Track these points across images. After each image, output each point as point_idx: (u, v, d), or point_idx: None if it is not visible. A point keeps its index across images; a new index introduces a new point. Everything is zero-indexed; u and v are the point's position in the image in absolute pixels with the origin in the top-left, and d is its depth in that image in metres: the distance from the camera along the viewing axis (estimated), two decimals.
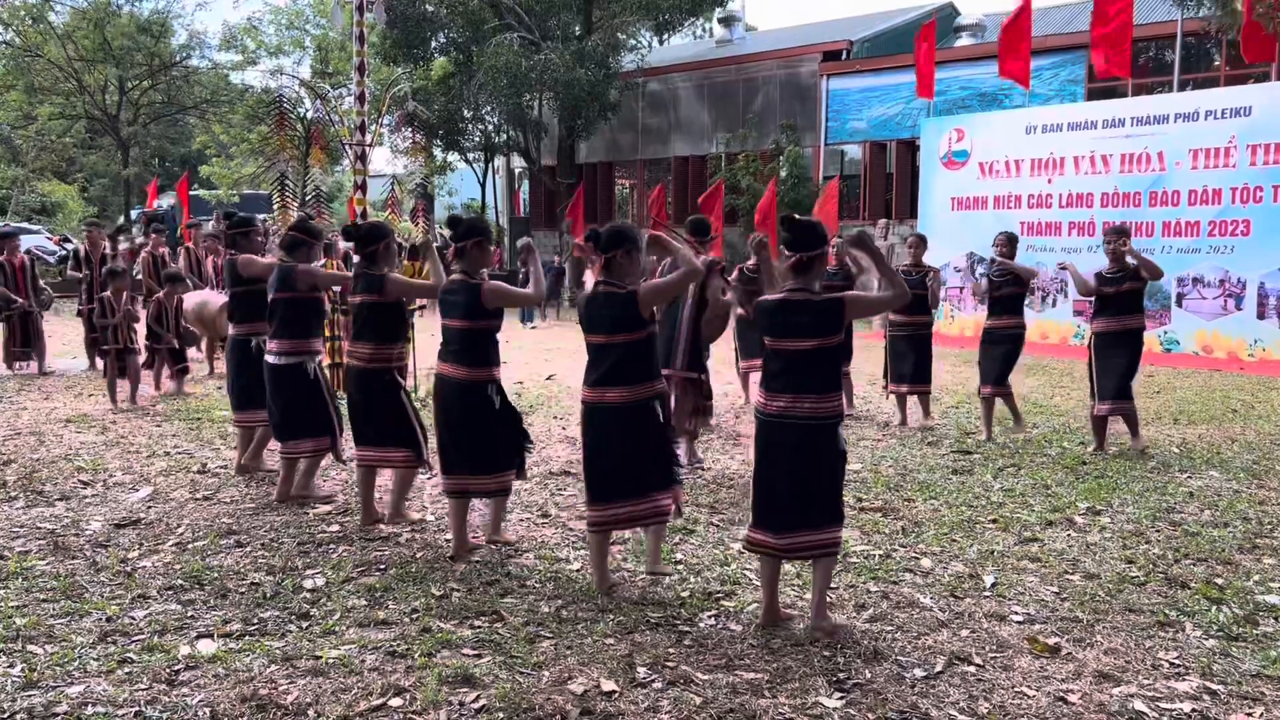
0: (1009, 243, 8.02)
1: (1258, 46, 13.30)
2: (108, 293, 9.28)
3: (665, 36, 28.02)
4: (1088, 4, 15.79)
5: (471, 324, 4.72)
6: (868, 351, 10.76)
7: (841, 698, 3.41)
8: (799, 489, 3.89)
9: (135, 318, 9.34)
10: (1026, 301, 8.55)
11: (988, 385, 7.99)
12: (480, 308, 4.71)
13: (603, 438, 4.33)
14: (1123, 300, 7.30)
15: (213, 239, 12.19)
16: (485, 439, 4.79)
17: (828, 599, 4.07)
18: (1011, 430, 8.11)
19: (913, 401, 8.55)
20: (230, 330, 6.30)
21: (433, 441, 5.17)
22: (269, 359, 5.70)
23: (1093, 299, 7.51)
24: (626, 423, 4.27)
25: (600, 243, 4.34)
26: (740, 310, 8.34)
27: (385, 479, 5.72)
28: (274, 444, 6.07)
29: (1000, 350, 7.94)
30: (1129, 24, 14.06)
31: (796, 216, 4.04)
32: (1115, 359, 7.28)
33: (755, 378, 7.29)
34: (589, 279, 4.54)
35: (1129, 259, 7.29)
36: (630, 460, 4.30)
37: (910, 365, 8.36)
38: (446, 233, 5.76)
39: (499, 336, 4.91)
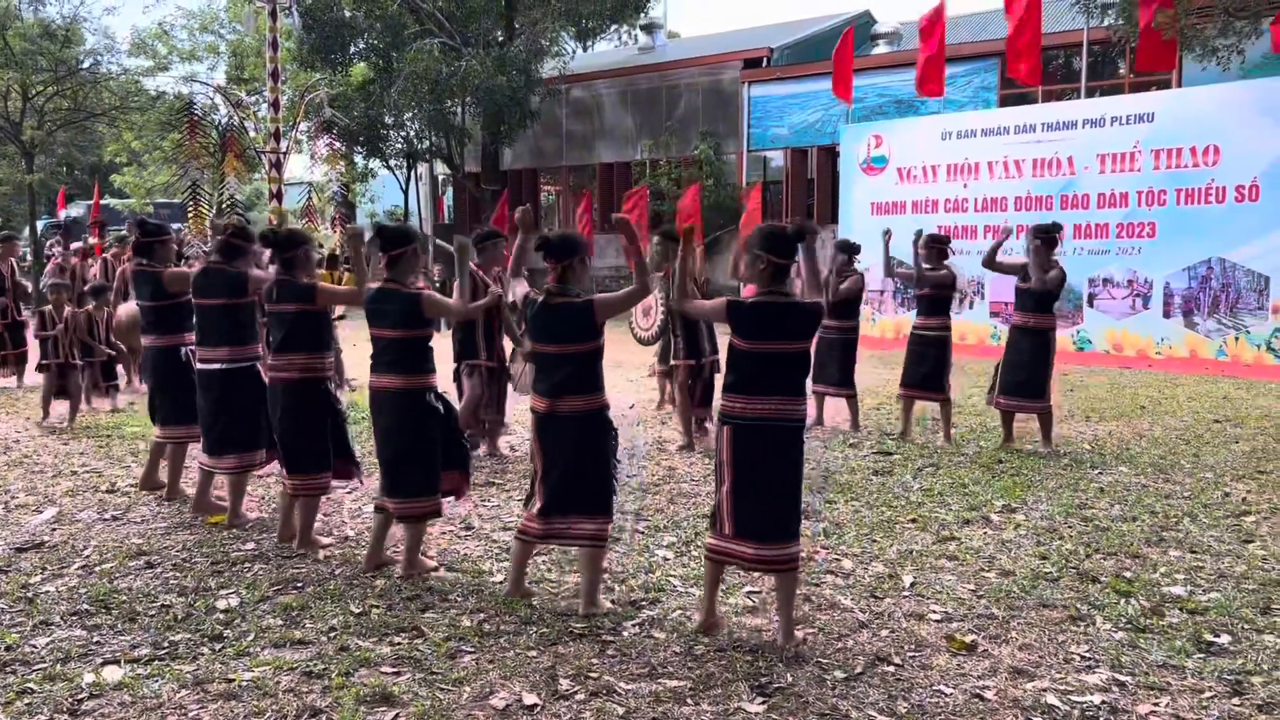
0: (930, 244, 7.98)
1: (1157, 56, 13.77)
2: (47, 307, 9.01)
3: (589, 44, 28.04)
4: (999, 12, 16.22)
5: (406, 333, 4.62)
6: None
7: (763, 703, 3.43)
8: (775, 497, 3.87)
9: (80, 332, 9.12)
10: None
11: (930, 392, 7.94)
12: (417, 317, 4.61)
13: (556, 448, 4.21)
14: (1032, 297, 7.44)
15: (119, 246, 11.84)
16: (423, 451, 4.64)
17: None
18: (939, 438, 7.98)
19: (837, 404, 8.61)
20: (156, 341, 5.99)
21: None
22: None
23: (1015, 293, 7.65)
24: (579, 435, 4.19)
25: (555, 250, 4.24)
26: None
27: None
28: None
29: (932, 354, 7.90)
30: (1038, 35, 14.48)
31: (779, 226, 3.98)
32: (1021, 356, 7.47)
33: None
34: (520, 288, 4.46)
35: (1046, 258, 7.36)
36: (574, 474, 4.19)
37: (833, 369, 8.36)
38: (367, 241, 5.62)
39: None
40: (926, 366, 7.94)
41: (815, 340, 7.94)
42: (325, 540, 5.25)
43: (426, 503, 4.67)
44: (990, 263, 7.81)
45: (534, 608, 4.29)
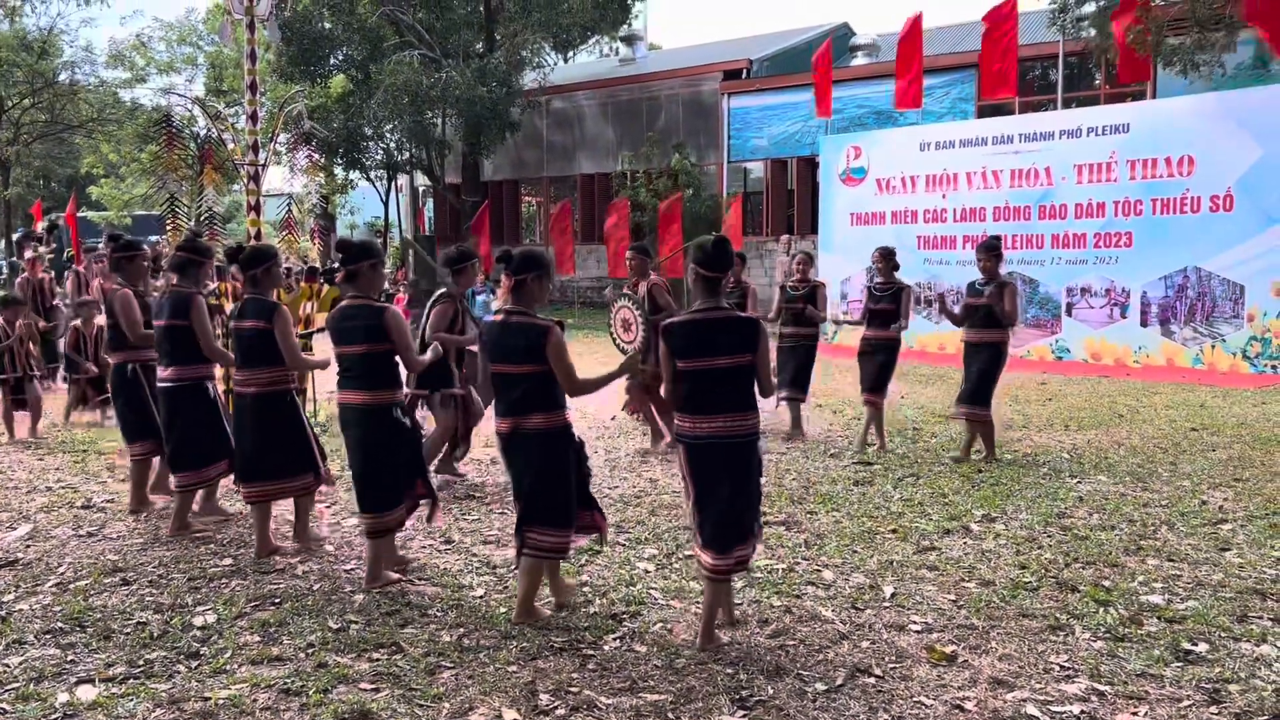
0: (884, 258, 8.20)
1: (1132, 68, 13.94)
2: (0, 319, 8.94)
3: (570, 55, 28.08)
4: (976, 24, 16.36)
5: (372, 347, 4.62)
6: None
7: (744, 716, 3.42)
8: (731, 508, 3.98)
9: (36, 342, 9.08)
10: (925, 314, 8.78)
11: (865, 393, 8.18)
12: (382, 331, 4.62)
13: (519, 466, 4.24)
14: (981, 313, 7.55)
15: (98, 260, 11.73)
16: (388, 468, 4.66)
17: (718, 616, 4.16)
18: (919, 447, 8.20)
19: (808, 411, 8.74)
20: (113, 357, 6.21)
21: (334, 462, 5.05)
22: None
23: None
24: (540, 452, 4.20)
25: (511, 265, 4.25)
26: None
27: (280, 508, 5.57)
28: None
29: (878, 360, 8.10)
30: (1014, 47, 14.59)
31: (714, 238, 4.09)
32: (972, 367, 7.63)
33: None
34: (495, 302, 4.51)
35: (1001, 273, 7.60)
36: (536, 492, 4.20)
37: (789, 374, 8.55)
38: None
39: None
40: (872, 369, 8.12)
41: (775, 349, 7.97)
42: (321, 534, 5.33)
43: (389, 516, 4.71)
44: (958, 320, 7.90)
45: (513, 622, 4.27)
